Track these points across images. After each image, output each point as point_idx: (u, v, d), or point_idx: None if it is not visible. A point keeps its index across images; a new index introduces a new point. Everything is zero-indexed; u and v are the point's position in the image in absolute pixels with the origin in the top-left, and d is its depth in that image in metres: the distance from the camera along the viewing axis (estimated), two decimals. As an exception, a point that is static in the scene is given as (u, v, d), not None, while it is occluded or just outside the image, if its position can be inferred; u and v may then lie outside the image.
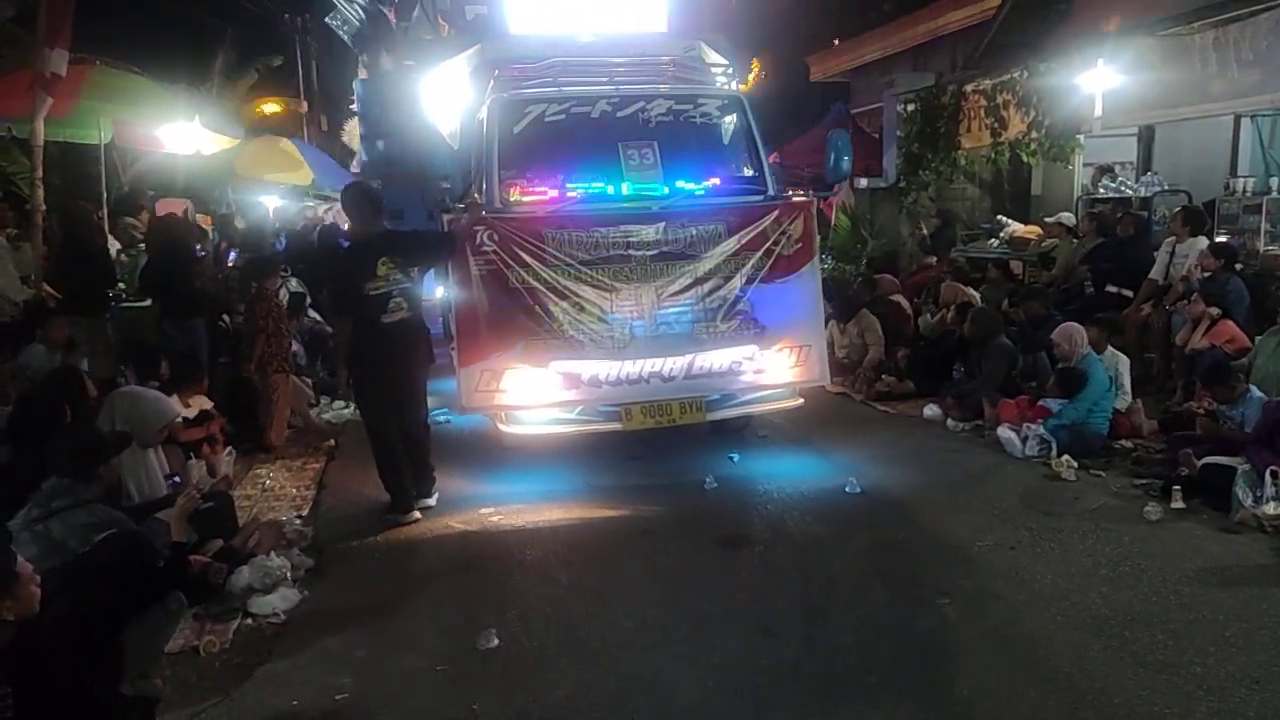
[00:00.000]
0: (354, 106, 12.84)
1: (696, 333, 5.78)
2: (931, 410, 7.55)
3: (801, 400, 6.22)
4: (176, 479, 4.71)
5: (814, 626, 3.99)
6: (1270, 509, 4.86)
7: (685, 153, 6.33)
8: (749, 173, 6.46)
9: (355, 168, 14.86)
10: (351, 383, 5.69)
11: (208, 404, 6.32)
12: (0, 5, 12.17)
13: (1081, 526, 5.02)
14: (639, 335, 5.71)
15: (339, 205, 14.89)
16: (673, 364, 5.75)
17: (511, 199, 5.95)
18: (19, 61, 10.53)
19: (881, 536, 4.98)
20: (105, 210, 9.37)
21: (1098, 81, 8.74)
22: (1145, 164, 10.10)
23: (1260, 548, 4.69)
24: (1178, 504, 5.23)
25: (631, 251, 5.72)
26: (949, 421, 7.33)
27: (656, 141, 6.12)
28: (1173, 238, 7.94)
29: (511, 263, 5.58)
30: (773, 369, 5.98)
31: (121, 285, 8.62)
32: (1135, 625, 3.87)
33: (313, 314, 9.72)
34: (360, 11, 14.67)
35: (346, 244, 5.87)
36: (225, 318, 8.43)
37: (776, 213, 6.00)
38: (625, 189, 6.01)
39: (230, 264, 8.39)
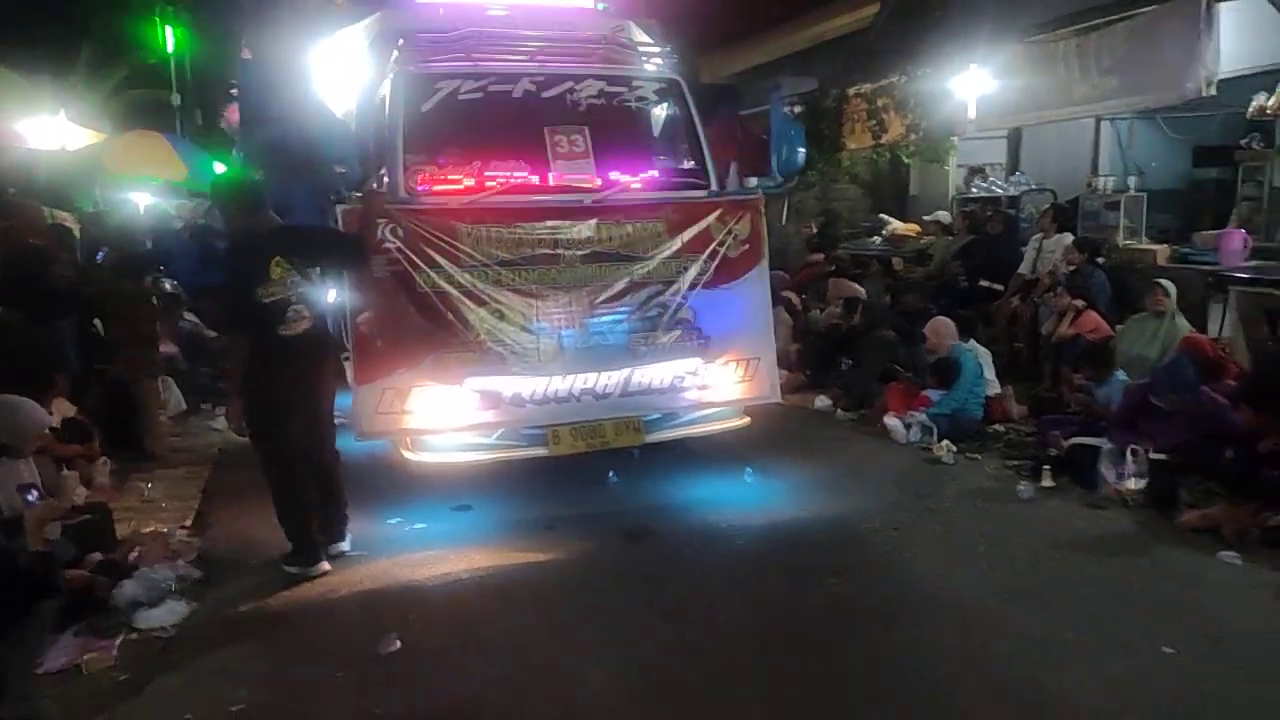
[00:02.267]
0: (233, 91, 12.27)
1: (633, 344, 5.20)
2: (822, 401, 7.81)
3: (748, 420, 5.67)
4: (32, 493, 4.43)
5: (713, 609, 4.09)
6: (1131, 484, 5.24)
7: (620, 140, 5.75)
8: (690, 164, 5.89)
9: (233, 158, 14.30)
10: (246, 410, 4.64)
11: (70, 410, 6.00)
12: None
13: (960, 506, 5.33)
14: (568, 347, 5.10)
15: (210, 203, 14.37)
16: (607, 379, 5.16)
17: (419, 188, 5.28)
18: None
19: (776, 522, 5.14)
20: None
21: (970, 86, 9.20)
22: (1014, 165, 10.69)
23: (1124, 521, 5.05)
24: (1048, 482, 5.58)
25: (560, 251, 5.13)
26: (838, 411, 7.61)
27: (587, 127, 5.52)
28: (1040, 234, 8.44)
29: (419, 263, 4.90)
30: (718, 385, 5.44)
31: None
32: (1011, 598, 4.12)
33: (190, 316, 9.34)
34: None
35: (225, 246, 5.15)
36: (97, 321, 8.01)
37: (722, 210, 5.47)
38: (552, 180, 5.40)
39: (99, 263, 7.95)
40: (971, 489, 5.64)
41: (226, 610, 4.30)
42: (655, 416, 5.38)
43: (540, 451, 5.17)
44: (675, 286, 5.30)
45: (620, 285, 5.20)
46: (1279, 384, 5.01)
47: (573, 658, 3.71)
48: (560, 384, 5.10)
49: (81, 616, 4.04)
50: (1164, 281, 6.69)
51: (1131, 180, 8.82)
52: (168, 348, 8.15)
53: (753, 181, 6.78)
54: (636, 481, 5.77)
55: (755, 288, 5.58)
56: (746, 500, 5.51)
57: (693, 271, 5.34)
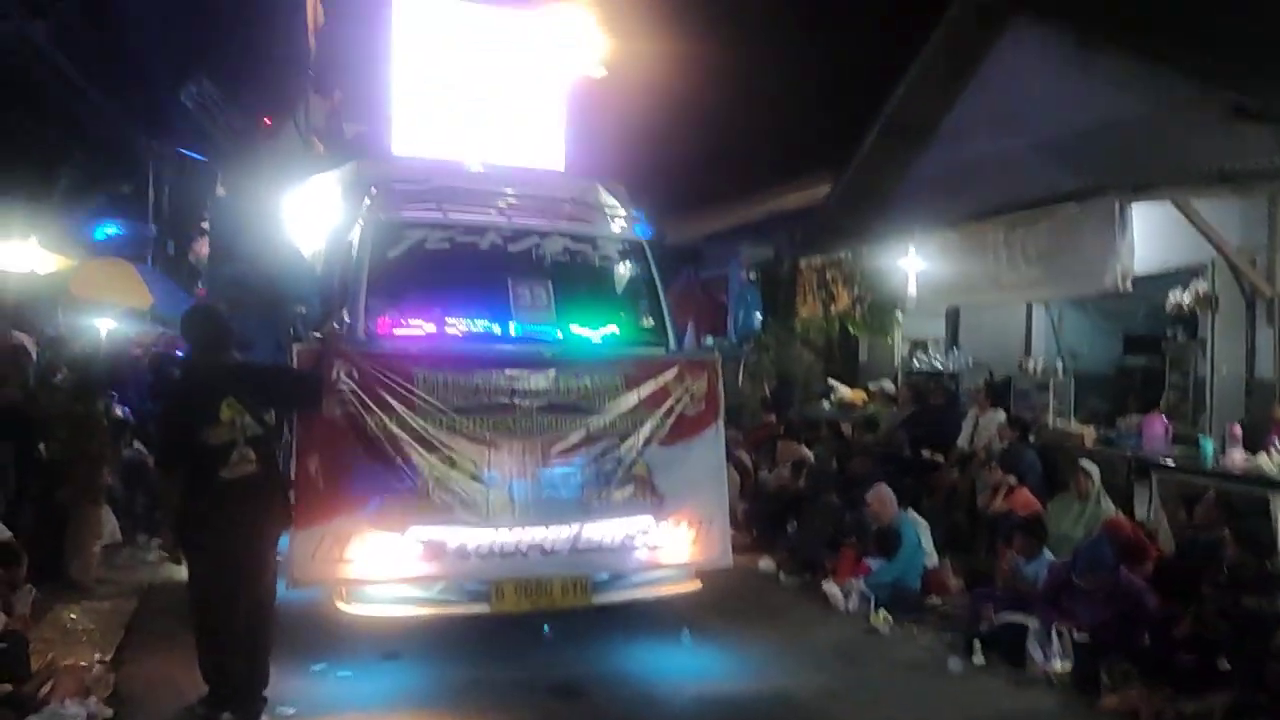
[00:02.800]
0: (205, 225, 12.53)
1: (586, 498, 5.10)
2: (766, 563, 7.87)
3: (699, 584, 5.51)
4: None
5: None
6: (1057, 666, 5.32)
7: (582, 296, 5.83)
8: (650, 323, 6.01)
9: (199, 290, 14.50)
10: (181, 549, 4.57)
11: (5, 533, 5.91)
12: None
13: (892, 678, 5.39)
14: (519, 499, 4.98)
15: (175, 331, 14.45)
16: (556, 535, 5.01)
17: (379, 332, 5.29)
18: None
19: (708, 689, 5.11)
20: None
21: (911, 266, 9.78)
22: (952, 340, 11.23)
23: (1048, 702, 5.11)
24: (978, 659, 5.63)
25: (516, 400, 5.08)
26: (781, 574, 7.66)
27: (551, 281, 5.62)
28: (976, 409, 8.79)
29: (373, 405, 4.82)
30: (670, 545, 5.33)
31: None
32: None
33: (136, 444, 9.27)
34: (223, 132, 14.60)
35: (180, 375, 5.04)
36: (41, 446, 7.94)
37: (679, 368, 5.51)
38: (513, 330, 5.47)
39: (54, 384, 7.97)
40: (905, 661, 5.70)
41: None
42: (604, 577, 5.24)
43: (482, 608, 5.01)
44: (630, 442, 5.24)
45: (575, 438, 5.14)
46: (1194, 571, 5.23)
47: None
48: (508, 537, 4.96)
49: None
50: (1086, 464, 6.99)
51: (1059, 363, 9.29)
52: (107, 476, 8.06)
53: (709, 341, 6.97)
54: (570, 636, 5.64)
55: (710, 447, 5.57)
56: (681, 665, 5.46)
57: (648, 427, 5.30)
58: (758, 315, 6.23)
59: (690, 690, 5.08)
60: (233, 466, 4.34)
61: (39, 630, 5.60)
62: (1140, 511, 7.31)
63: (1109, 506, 6.88)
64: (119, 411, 8.95)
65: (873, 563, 6.88)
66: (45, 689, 4.55)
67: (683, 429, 5.42)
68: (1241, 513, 6.09)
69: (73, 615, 6.09)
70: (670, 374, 5.46)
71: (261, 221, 7.69)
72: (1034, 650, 5.42)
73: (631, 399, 5.31)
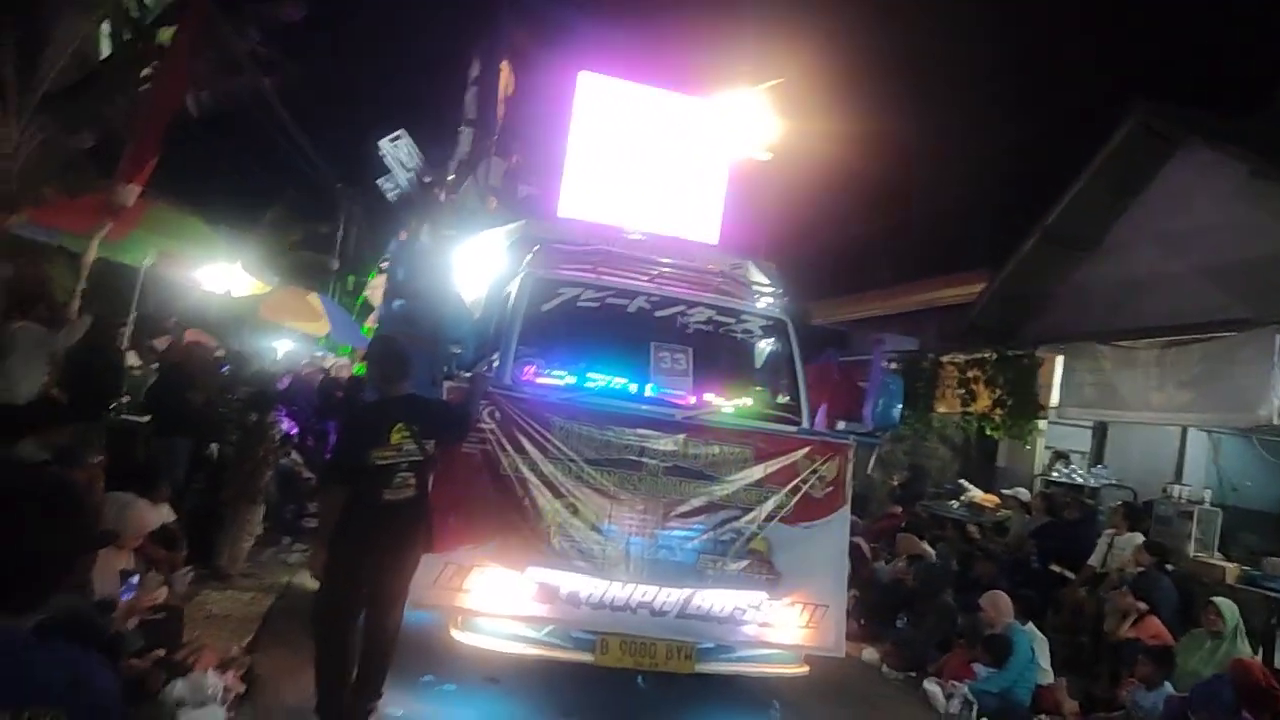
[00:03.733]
0: (383, 264, 13.58)
1: (700, 565, 5.08)
2: (869, 654, 7.76)
3: (807, 669, 5.41)
4: (135, 579, 4.98)
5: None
6: (1159, 801, 5.07)
7: (720, 366, 5.95)
8: (785, 400, 6.02)
9: (370, 323, 15.68)
10: (327, 563, 4.68)
11: (169, 518, 6.61)
12: (82, 136, 13.34)
13: (982, 788, 5.20)
14: (634, 555, 5.02)
15: (342, 358, 15.62)
16: (667, 596, 5.01)
17: (523, 379, 5.51)
18: (84, 187, 11.53)
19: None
20: (130, 328, 9.97)
21: (1056, 375, 9.56)
22: (1097, 456, 10.81)
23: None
24: (1078, 783, 5.42)
25: (645, 459, 5.13)
26: (884, 668, 7.53)
27: (691, 349, 5.71)
28: (1113, 529, 8.44)
29: (508, 446, 5.00)
30: (781, 625, 5.24)
31: (126, 398, 9.08)
32: None
33: (294, 456, 10.12)
34: (411, 182, 15.84)
35: (356, 400, 5.28)
36: (214, 446, 8.82)
37: (810, 448, 5.46)
38: (649, 391, 5.57)
39: (233, 397, 8.89)
40: (998, 773, 5.53)
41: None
42: (710, 646, 5.19)
43: (586, 658, 5.03)
44: (752, 515, 5.22)
45: (697, 503, 5.16)
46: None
47: None
48: (619, 591, 4.98)
49: (133, 703, 4.42)
50: (1219, 601, 6.62)
51: (1206, 494, 8.80)
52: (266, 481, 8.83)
53: (841, 425, 6.90)
54: (661, 689, 5.66)
55: (835, 532, 5.49)
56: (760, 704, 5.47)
57: (772, 503, 5.26)
58: (899, 406, 6.01)
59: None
60: (395, 489, 4.58)
61: (190, 610, 6.23)
62: (1281, 659, 6.84)
63: (1245, 648, 6.49)
64: (283, 425, 9.82)
65: (980, 669, 6.70)
66: (191, 658, 5.08)
67: (808, 510, 5.35)
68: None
69: (217, 602, 6.71)
70: (801, 453, 5.42)
71: (434, 265, 8.01)
72: (1137, 782, 5.18)
73: (758, 472, 5.29)
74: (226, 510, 7.56)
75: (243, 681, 5.11)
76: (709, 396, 5.69)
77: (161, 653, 4.89)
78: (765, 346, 6.29)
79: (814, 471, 5.41)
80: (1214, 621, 6.53)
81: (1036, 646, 7.03)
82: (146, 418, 8.31)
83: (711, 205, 8.12)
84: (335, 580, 4.64)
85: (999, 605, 6.98)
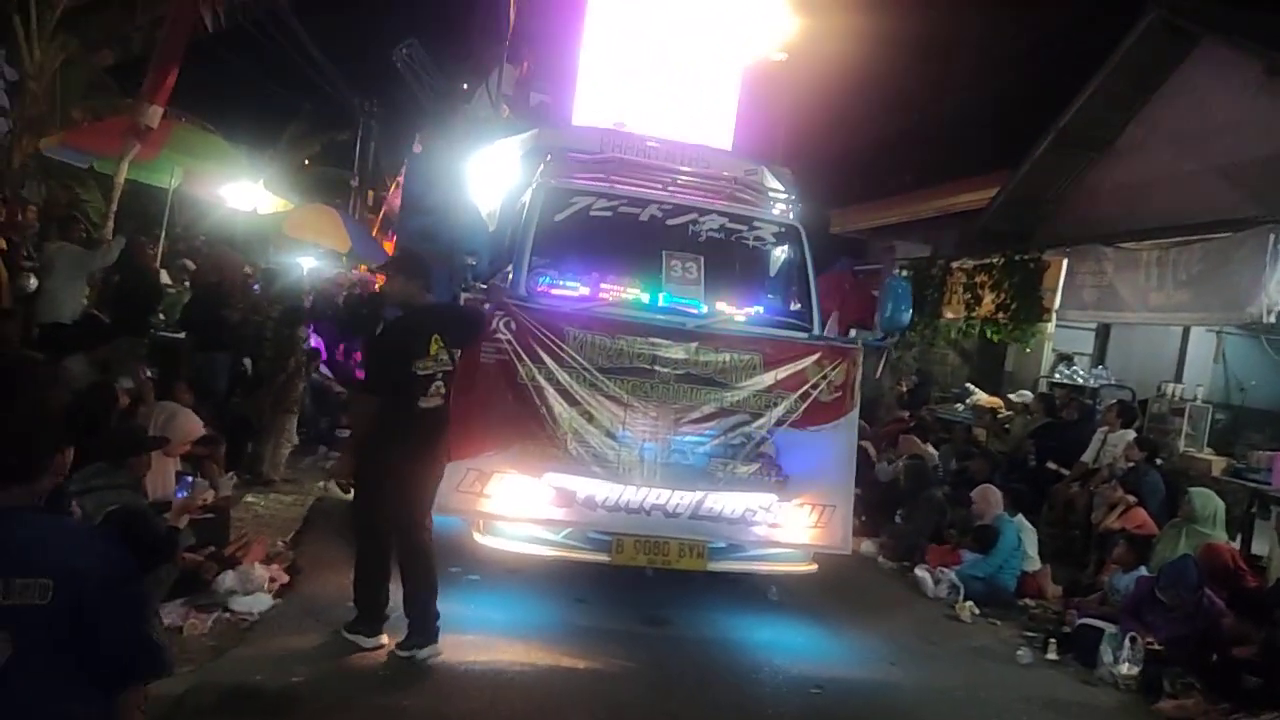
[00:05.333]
0: (400, 179, 13.70)
1: (712, 469, 5.23)
2: (868, 546, 8.21)
3: (815, 566, 5.63)
4: (189, 479, 5.50)
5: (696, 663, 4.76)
6: (1125, 669, 5.52)
7: (731, 274, 6.01)
8: (796, 307, 6.09)
9: (390, 237, 15.98)
10: (359, 470, 4.79)
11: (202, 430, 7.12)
12: (103, 54, 13.53)
13: (959, 658, 5.75)
14: (648, 460, 5.16)
15: (364, 273, 15.96)
16: (679, 499, 5.17)
17: (538, 289, 5.60)
18: (109, 106, 11.80)
19: (782, 640, 5.60)
20: (161, 248, 10.38)
21: (1059, 278, 9.76)
22: (1099, 357, 11.05)
23: (1108, 699, 5.36)
24: (1052, 655, 5.89)
25: (657, 367, 5.25)
26: (880, 558, 8.02)
27: (703, 257, 5.76)
28: (1106, 427, 8.77)
29: (524, 356, 5.10)
30: (790, 525, 5.40)
31: (161, 316, 9.55)
32: None
33: (323, 369, 10.60)
34: (425, 92, 15.77)
35: (398, 314, 5.14)
36: (247, 361, 9.30)
37: (820, 354, 5.54)
38: (662, 300, 5.65)
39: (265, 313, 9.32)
40: (977, 647, 6.02)
41: (303, 608, 5.15)
42: (721, 545, 5.36)
43: (603, 558, 5.23)
44: (762, 420, 5.34)
45: (708, 409, 5.27)
46: (1276, 600, 5.30)
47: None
48: (633, 495, 5.13)
49: (188, 592, 4.96)
50: (1195, 491, 6.98)
51: (1200, 390, 9.09)
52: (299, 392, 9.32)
53: (853, 333, 6.90)
54: (666, 581, 5.86)
55: (842, 435, 5.58)
56: (761, 613, 5.89)
57: (781, 409, 5.37)
58: (907, 312, 5.96)
59: (762, 640, 5.54)
60: (429, 398, 4.69)
61: (236, 512, 6.76)
62: (1257, 545, 7.23)
63: (1220, 535, 6.86)
64: (312, 340, 10.27)
65: (968, 556, 7.16)
66: (240, 553, 5.61)
67: (816, 414, 5.44)
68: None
69: (261, 505, 7.25)
70: (810, 359, 5.50)
71: (449, 178, 8.13)
72: (1105, 652, 5.63)
73: (768, 378, 5.39)
74: (264, 420, 8.07)
75: (287, 573, 5.65)
76: (720, 304, 5.76)
77: (212, 548, 5.43)
78: (778, 254, 6.30)
79: (823, 376, 5.48)
80: (1186, 509, 6.89)
81: (1024, 536, 7.44)
82: (183, 334, 8.79)
83: (726, 109, 7.98)
84: (374, 486, 4.71)
85: (988, 498, 7.40)
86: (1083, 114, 11.66)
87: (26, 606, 1.75)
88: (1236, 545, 7.17)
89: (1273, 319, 7.22)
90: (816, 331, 5.92)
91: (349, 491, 4.79)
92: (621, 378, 5.22)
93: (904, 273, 13.31)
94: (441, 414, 4.78)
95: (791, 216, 6.39)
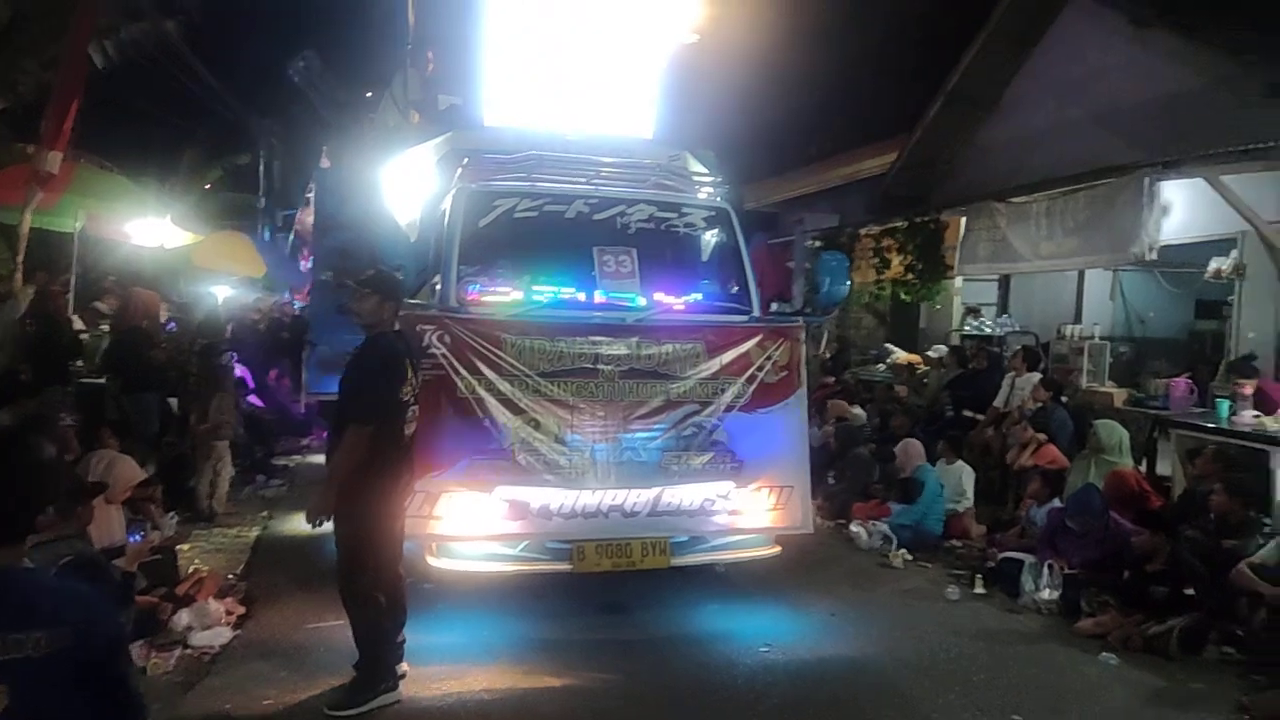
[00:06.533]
0: (309, 195, 13.45)
1: (666, 463, 5.15)
2: (805, 509, 8.61)
3: (779, 549, 5.58)
4: (139, 535, 5.55)
5: (658, 662, 4.92)
6: (1046, 595, 5.97)
7: (666, 264, 5.93)
8: (734, 290, 6.00)
9: (304, 260, 15.76)
10: (364, 510, 4.33)
11: (141, 475, 7.10)
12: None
13: (892, 601, 6.14)
14: (600, 462, 5.07)
15: (281, 297, 15.76)
16: (637, 497, 5.09)
17: (469, 298, 5.43)
18: (6, 154, 11.49)
19: (731, 600, 5.89)
20: (72, 294, 10.19)
21: (958, 237, 10.25)
22: (1003, 307, 11.63)
23: (1031, 624, 5.80)
24: (980, 589, 6.32)
25: (600, 366, 5.17)
26: (816, 518, 8.36)
27: (635, 249, 5.64)
28: (1013, 372, 9.29)
29: (462, 369, 4.98)
30: (750, 511, 5.36)
31: (80, 362, 9.39)
32: (905, 670, 4.97)
33: (252, 399, 10.56)
34: (327, 105, 15.49)
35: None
36: (173, 399, 9.22)
37: (761, 335, 5.51)
38: (598, 297, 5.53)
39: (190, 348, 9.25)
40: (909, 589, 6.42)
41: (263, 636, 5.23)
42: (683, 539, 5.30)
43: (564, 567, 5.11)
44: (711, 408, 5.28)
45: (656, 403, 5.21)
46: (1178, 516, 5.78)
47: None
48: (589, 499, 5.04)
49: (147, 634, 5.01)
50: (1099, 423, 7.47)
51: (1096, 329, 9.67)
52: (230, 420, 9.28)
53: (774, 307, 6.90)
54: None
55: (793, 415, 5.54)
56: (712, 595, 6.00)
57: (729, 394, 5.32)
58: (845, 285, 6.01)
59: (716, 615, 5.75)
60: (409, 423, 4.49)
61: (182, 551, 6.77)
62: (1162, 467, 7.78)
63: (1126, 462, 7.37)
64: (237, 370, 10.21)
65: (895, 507, 7.57)
66: (193, 590, 5.67)
67: (765, 396, 5.41)
68: (1241, 466, 6.52)
69: (207, 540, 7.25)
70: (752, 341, 5.47)
71: (362, 191, 7.84)
72: (1026, 581, 6.07)
73: (713, 365, 5.35)
74: (197, 456, 8.06)
75: (242, 604, 5.72)
76: (658, 295, 5.66)
77: (164, 589, 5.49)
78: (710, 238, 6.23)
79: (767, 358, 5.45)
80: (1092, 440, 7.39)
81: (964, 480, 7.98)
82: (104, 379, 8.68)
83: (642, 97, 7.70)
84: (384, 521, 4.40)
85: (909, 452, 7.83)
86: (968, 75, 12.17)
87: (22, 659, 1.85)
88: (1143, 469, 7.73)
89: (1154, 256, 7.76)
90: (756, 313, 5.86)
91: (320, 526, 4.41)
92: (565, 380, 5.13)
93: (816, 243, 13.78)
94: (412, 441, 4.58)
95: (720, 199, 6.33)
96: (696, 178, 6.48)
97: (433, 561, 5.13)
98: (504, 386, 5.04)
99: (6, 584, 1.94)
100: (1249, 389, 7.12)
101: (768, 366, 5.45)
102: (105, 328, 10.12)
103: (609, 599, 5.67)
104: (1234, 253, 8.42)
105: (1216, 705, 4.66)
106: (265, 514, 8.11)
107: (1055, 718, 4.44)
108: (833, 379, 12.64)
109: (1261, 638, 4.97)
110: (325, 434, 6.23)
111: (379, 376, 4.40)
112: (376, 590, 4.37)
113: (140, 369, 8.21)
